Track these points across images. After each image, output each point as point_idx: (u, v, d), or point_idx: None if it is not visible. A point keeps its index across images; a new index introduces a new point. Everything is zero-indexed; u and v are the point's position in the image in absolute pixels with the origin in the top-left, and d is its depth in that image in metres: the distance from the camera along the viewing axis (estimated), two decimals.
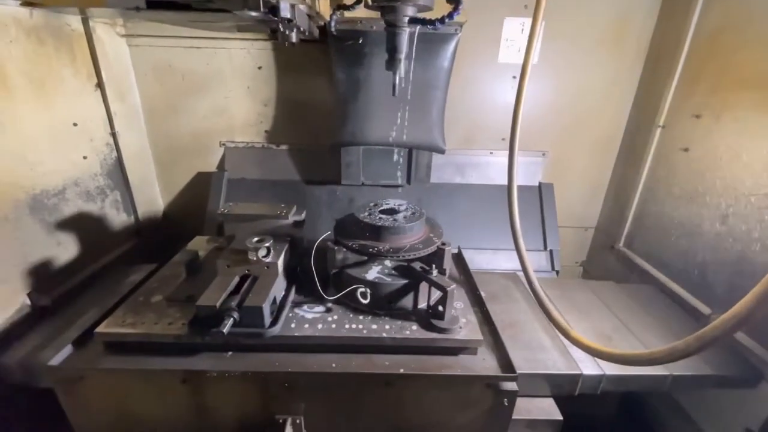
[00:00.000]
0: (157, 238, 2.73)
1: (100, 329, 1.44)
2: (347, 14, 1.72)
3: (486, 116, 2.67)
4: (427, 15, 1.48)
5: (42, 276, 1.88)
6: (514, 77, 2.56)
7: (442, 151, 2.45)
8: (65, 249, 2.02)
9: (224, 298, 1.35)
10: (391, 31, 1.43)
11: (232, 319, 1.28)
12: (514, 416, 1.48)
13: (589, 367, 1.63)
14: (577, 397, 1.62)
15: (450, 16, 1.38)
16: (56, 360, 1.41)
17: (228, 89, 2.58)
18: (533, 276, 1.62)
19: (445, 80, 2.29)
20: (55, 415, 1.52)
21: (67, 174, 2.04)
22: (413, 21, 1.43)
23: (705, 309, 1.98)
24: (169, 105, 2.60)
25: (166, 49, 2.46)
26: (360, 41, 2.10)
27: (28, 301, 1.80)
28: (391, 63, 1.49)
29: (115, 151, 2.39)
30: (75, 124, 2.08)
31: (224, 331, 1.25)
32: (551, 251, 2.71)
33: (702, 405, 1.98)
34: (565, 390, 1.61)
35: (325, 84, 2.52)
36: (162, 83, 2.54)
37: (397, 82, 1.55)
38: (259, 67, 2.53)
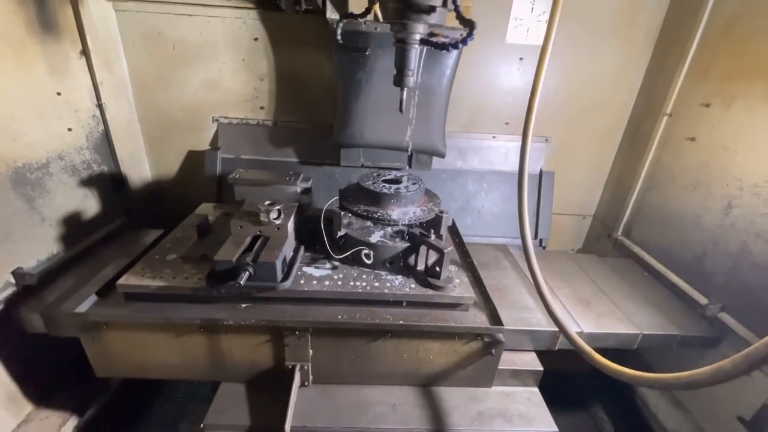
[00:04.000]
0: (146, 217, 2.62)
1: (121, 281, 1.54)
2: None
3: (490, 99, 2.59)
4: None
5: (26, 253, 1.79)
6: (521, 59, 2.48)
7: (442, 155, 2.46)
8: (50, 226, 1.92)
9: (239, 255, 1.45)
10: (401, 47, 1.37)
11: (247, 272, 1.38)
12: (501, 366, 1.67)
13: (569, 325, 1.74)
14: (557, 352, 1.76)
15: (464, 41, 1.30)
16: (82, 308, 1.52)
17: (221, 61, 2.45)
18: (541, 280, 1.58)
19: (447, 85, 2.25)
20: (74, 364, 1.75)
21: (50, 146, 1.92)
22: (424, 42, 1.37)
23: (702, 299, 1.99)
24: (158, 76, 2.46)
25: (155, 15, 2.31)
26: (367, 53, 2.05)
27: (13, 280, 1.72)
28: (400, 79, 1.44)
29: (102, 124, 2.26)
30: (59, 94, 1.95)
31: (241, 282, 1.35)
32: (541, 240, 2.76)
33: (693, 392, 2.02)
34: (546, 345, 1.77)
35: (324, 58, 2.41)
36: (151, 53, 2.40)
37: (404, 97, 1.51)
38: (256, 39, 2.39)
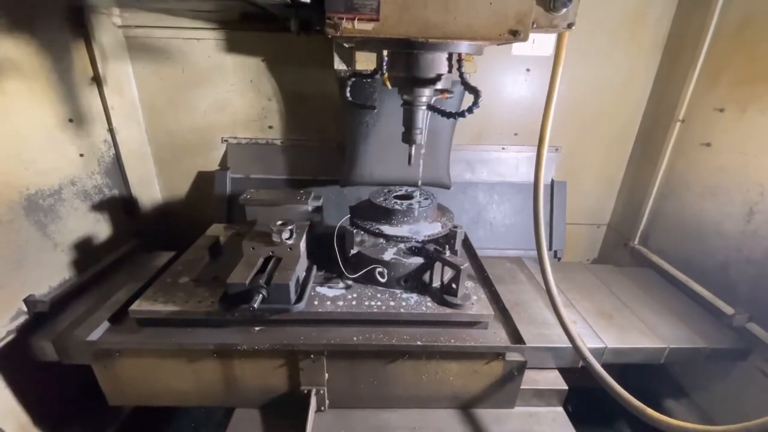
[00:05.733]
0: (157, 239, 2.62)
1: (134, 307, 1.52)
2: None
3: (498, 110, 2.58)
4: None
5: (38, 280, 1.78)
6: (528, 70, 2.47)
7: (447, 187, 2.52)
8: (62, 251, 1.92)
9: (252, 277, 1.42)
10: (409, 108, 1.42)
11: (261, 295, 1.35)
12: (523, 386, 1.61)
13: (592, 341, 1.73)
14: (580, 369, 1.67)
15: (470, 110, 1.32)
16: (94, 335, 1.49)
17: (230, 83, 2.47)
18: (558, 301, 1.53)
19: (452, 124, 2.31)
20: (87, 391, 1.65)
21: (63, 173, 1.94)
22: (431, 109, 1.41)
23: (727, 309, 1.92)
24: (168, 99, 2.49)
25: (164, 40, 2.35)
26: (375, 110, 2.12)
27: (25, 308, 1.71)
28: (408, 137, 1.48)
29: (113, 149, 2.28)
30: (71, 120, 1.97)
31: (255, 306, 1.33)
32: (555, 251, 2.70)
33: (721, 403, 1.93)
34: (570, 362, 1.70)
35: (331, 78, 2.42)
36: (161, 77, 2.43)
37: (413, 152, 1.55)
38: (263, 60, 2.42)
